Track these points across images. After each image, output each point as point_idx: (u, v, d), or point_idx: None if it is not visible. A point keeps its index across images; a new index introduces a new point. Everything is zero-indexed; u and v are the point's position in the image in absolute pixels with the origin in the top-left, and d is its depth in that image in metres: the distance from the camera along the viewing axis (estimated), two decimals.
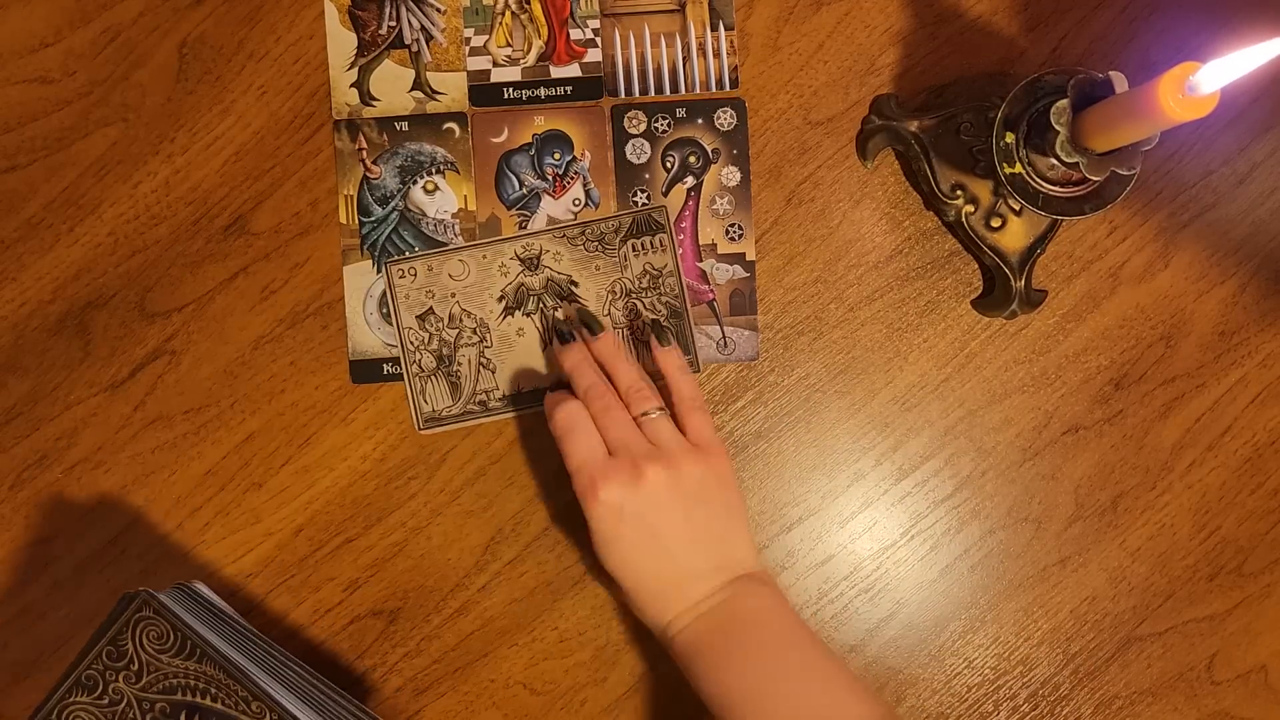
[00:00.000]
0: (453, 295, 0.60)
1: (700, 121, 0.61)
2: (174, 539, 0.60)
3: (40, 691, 0.60)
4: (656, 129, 0.61)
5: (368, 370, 0.60)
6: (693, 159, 0.61)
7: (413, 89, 0.61)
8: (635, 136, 0.61)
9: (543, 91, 0.61)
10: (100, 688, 0.51)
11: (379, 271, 0.60)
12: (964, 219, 0.58)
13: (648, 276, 0.60)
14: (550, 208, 0.61)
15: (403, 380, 0.60)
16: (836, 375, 0.61)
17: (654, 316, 0.60)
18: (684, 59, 0.61)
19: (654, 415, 0.54)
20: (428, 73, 0.61)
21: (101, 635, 0.51)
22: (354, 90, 0.60)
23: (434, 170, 0.61)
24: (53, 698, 0.51)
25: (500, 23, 0.61)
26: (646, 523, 0.51)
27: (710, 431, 0.54)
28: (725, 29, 0.61)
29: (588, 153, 0.61)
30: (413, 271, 0.60)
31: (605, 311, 0.60)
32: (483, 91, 0.61)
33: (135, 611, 0.50)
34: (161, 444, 0.60)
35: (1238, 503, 0.62)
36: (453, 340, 0.60)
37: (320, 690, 0.54)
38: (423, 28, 0.61)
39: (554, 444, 0.61)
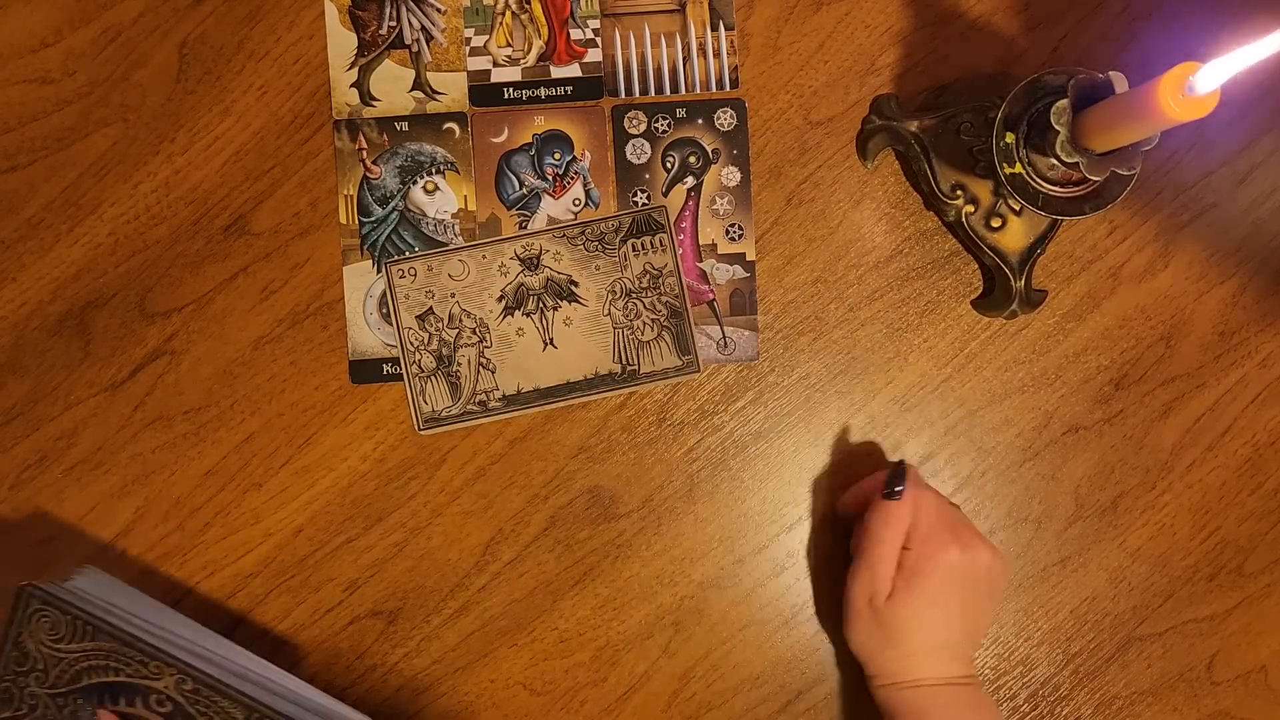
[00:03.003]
0: (452, 295, 0.60)
1: (700, 121, 0.61)
2: (174, 539, 0.60)
3: None
4: (656, 129, 0.61)
5: (368, 370, 0.60)
6: (693, 159, 0.61)
7: (413, 89, 0.61)
8: (635, 136, 0.61)
9: (543, 91, 0.61)
10: (17, 698, 0.51)
11: (379, 271, 0.60)
12: (964, 219, 0.58)
13: (648, 276, 0.60)
14: (550, 208, 0.61)
15: (403, 380, 0.60)
16: (836, 375, 0.61)
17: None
18: (684, 59, 0.61)
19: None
20: (428, 73, 0.61)
21: (3, 644, 0.51)
22: (354, 90, 0.60)
23: (434, 170, 0.61)
24: None
25: (500, 23, 0.61)
26: (961, 589, 0.55)
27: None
28: (725, 29, 0.61)
29: (588, 153, 0.61)
30: (413, 271, 0.60)
31: (605, 311, 0.60)
32: (483, 91, 0.61)
33: (24, 609, 0.51)
34: (161, 444, 0.60)
35: (1238, 503, 0.62)
36: (452, 340, 0.60)
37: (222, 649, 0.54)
38: (423, 28, 0.61)
39: (553, 444, 0.61)
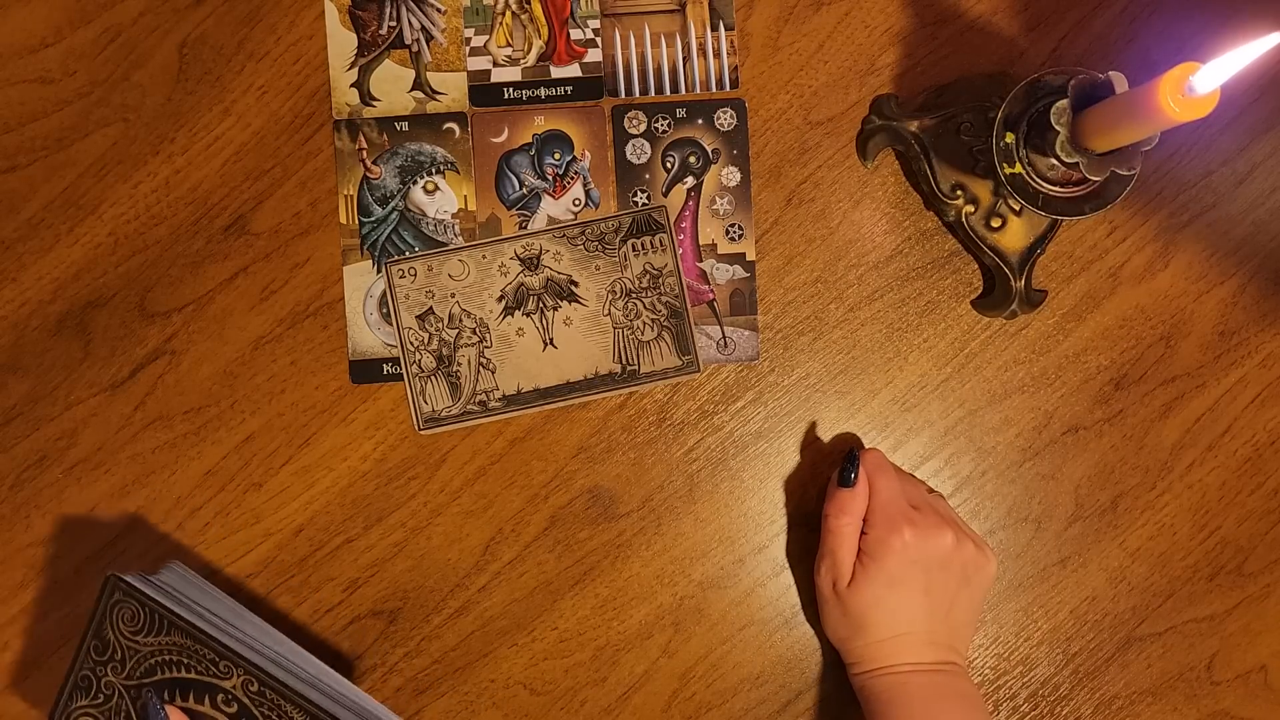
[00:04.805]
0: (452, 295, 0.60)
1: (700, 121, 0.61)
2: (174, 539, 0.60)
3: (40, 691, 0.60)
4: (656, 129, 0.61)
5: (368, 370, 0.60)
6: (693, 159, 0.61)
7: (413, 89, 0.61)
8: (635, 136, 0.61)
9: (543, 91, 0.61)
10: (94, 686, 0.51)
11: (379, 271, 0.60)
12: (964, 219, 0.58)
13: (648, 276, 0.60)
14: (550, 208, 0.61)
15: (403, 380, 0.60)
16: (836, 375, 0.61)
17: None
18: (684, 59, 0.61)
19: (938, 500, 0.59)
20: (428, 73, 0.61)
21: (88, 630, 0.51)
22: (354, 90, 0.60)
23: (434, 170, 0.61)
24: (58, 708, 0.52)
25: (500, 23, 0.61)
26: (924, 572, 0.55)
27: (981, 537, 0.58)
28: (725, 29, 0.61)
29: (588, 153, 0.61)
30: (413, 271, 0.60)
31: (605, 312, 0.60)
32: (483, 91, 0.61)
33: (108, 598, 0.51)
34: (161, 444, 0.60)
35: (1238, 503, 0.62)
36: (452, 340, 0.60)
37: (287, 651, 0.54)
38: (423, 28, 0.61)
39: (553, 444, 0.61)
